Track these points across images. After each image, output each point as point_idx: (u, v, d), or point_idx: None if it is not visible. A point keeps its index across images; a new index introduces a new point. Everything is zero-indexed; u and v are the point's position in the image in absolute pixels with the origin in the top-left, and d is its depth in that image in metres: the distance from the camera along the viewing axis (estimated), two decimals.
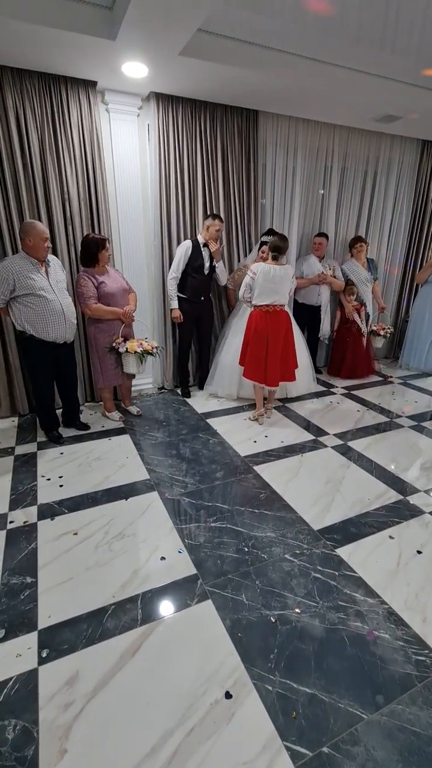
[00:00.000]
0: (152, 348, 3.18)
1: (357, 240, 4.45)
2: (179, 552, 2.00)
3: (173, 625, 1.66)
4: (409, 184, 4.68)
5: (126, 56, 2.71)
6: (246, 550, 2.02)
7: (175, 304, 3.73)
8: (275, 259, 3.12)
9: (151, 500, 2.39)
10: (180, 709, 1.39)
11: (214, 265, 3.73)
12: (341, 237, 4.63)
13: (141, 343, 3.15)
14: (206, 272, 3.68)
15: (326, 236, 4.30)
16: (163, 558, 1.97)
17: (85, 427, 3.26)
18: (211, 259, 3.67)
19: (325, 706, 1.41)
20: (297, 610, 1.72)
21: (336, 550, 2.04)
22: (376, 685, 1.48)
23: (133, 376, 3.46)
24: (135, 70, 2.91)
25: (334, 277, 4.37)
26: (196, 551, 2.00)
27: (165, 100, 3.43)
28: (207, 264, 3.67)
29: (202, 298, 3.76)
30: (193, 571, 1.89)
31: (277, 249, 3.11)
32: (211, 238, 3.60)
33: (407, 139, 4.52)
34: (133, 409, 3.55)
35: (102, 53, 2.67)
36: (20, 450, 2.94)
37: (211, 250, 3.63)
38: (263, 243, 3.70)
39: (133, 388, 3.73)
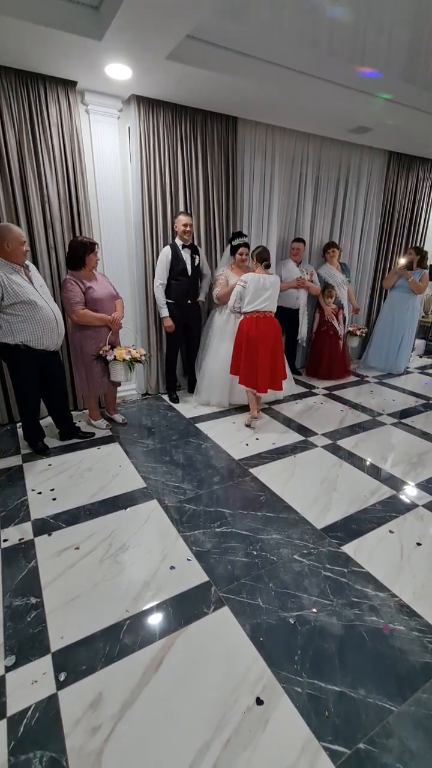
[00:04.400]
0: (140, 355, 3.15)
1: (330, 246, 4.59)
2: (188, 560, 1.97)
3: (193, 634, 1.63)
4: (377, 192, 4.89)
5: (111, 58, 2.66)
6: (254, 553, 2.02)
7: (165, 312, 3.69)
8: (266, 268, 3.19)
9: (151, 509, 2.36)
10: (213, 721, 1.36)
11: (198, 265, 3.70)
12: (317, 242, 4.75)
13: (129, 351, 3.11)
14: (190, 274, 3.67)
15: (303, 241, 4.40)
16: (172, 567, 1.93)
17: (89, 435, 3.19)
18: (193, 259, 3.66)
19: (355, 702, 1.43)
20: (314, 610, 1.74)
21: (341, 547, 2.08)
22: (400, 676, 1.51)
23: (119, 383, 3.39)
24: (118, 72, 2.86)
25: (312, 281, 4.47)
26: (205, 558, 1.99)
27: (146, 104, 3.39)
28: (189, 266, 3.66)
29: (189, 301, 3.74)
30: (205, 578, 1.87)
31: (266, 258, 3.21)
32: (180, 235, 3.57)
33: (376, 150, 4.73)
34: (119, 417, 3.49)
35: (86, 53, 2.61)
36: (3, 464, 2.79)
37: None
38: (235, 247, 3.72)
39: (117, 395, 3.63)
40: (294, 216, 4.54)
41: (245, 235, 3.76)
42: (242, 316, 3.31)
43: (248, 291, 3.18)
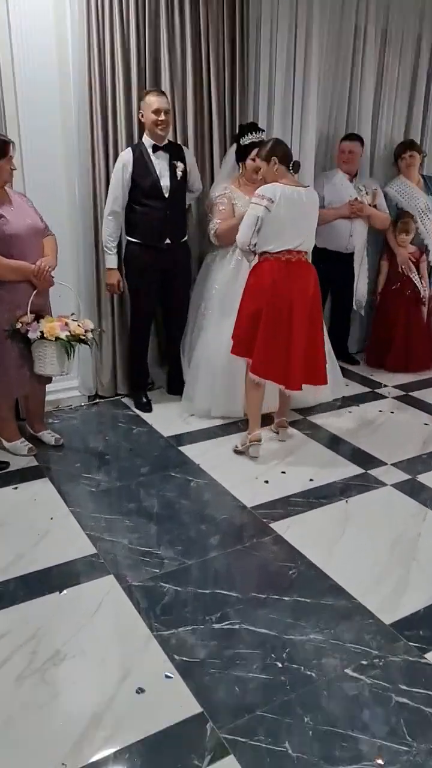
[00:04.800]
0: (85, 332, 3.16)
1: (407, 147, 4.59)
2: (167, 677, 1.96)
3: None
4: None
5: None
6: (279, 666, 2.01)
7: (112, 260, 3.69)
8: (295, 171, 3.20)
9: (104, 591, 2.35)
10: None
11: (182, 179, 3.69)
12: (384, 141, 4.74)
13: (66, 324, 3.12)
14: (168, 194, 3.65)
15: (360, 140, 4.40)
16: (140, 690, 1.91)
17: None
18: (173, 169, 3.64)
19: None
20: (379, 761, 1.72)
21: (426, 654, 2.07)
22: None
23: (49, 379, 3.40)
24: None
25: (375, 206, 4.46)
26: (196, 674, 1.97)
27: None
28: (167, 180, 3.64)
29: (168, 241, 3.74)
30: (197, 708, 1.85)
31: (291, 157, 3.19)
32: (150, 130, 3.54)
33: None
34: (49, 436, 3.51)
35: None
36: None
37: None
38: (245, 148, 3.69)
39: (46, 399, 3.65)
40: (345, 99, 4.52)
41: (262, 130, 3.73)
42: (257, 260, 3.29)
43: (277, 214, 3.11)
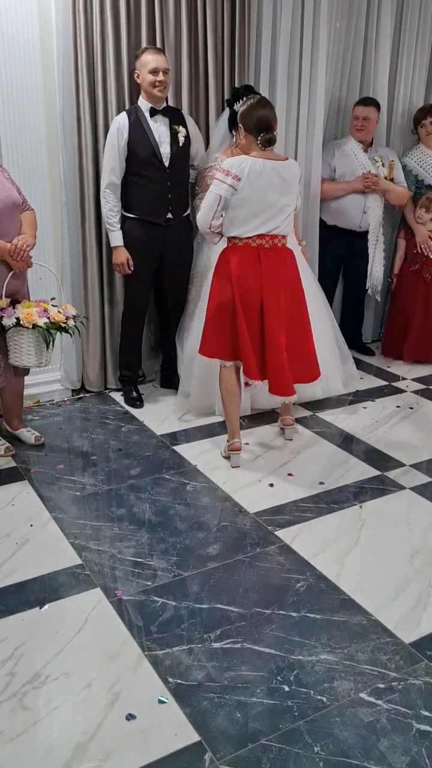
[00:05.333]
0: (66, 319, 3.16)
1: (427, 112, 4.57)
2: (160, 702, 1.95)
3: None
4: None
5: None
6: (286, 689, 2.01)
7: (117, 237, 3.69)
8: (268, 145, 3.03)
9: (90, 606, 2.35)
10: None
11: (184, 146, 3.68)
12: (402, 107, 4.73)
13: (44, 310, 3.12)
14: (167, 163, 3.65)
15: (376, 105, 4.37)
16: (131, 716, 1.90)
17: None
18: (174, 134, 3.63)
19: None
20: None
21: None
22: None
23: (27, 371, 3.41)
24: None
25: (392, 179, 4.43)
26: (193, 698, 1.96)
27: None
28: (168, 147, 3.64)
29: (169, 216, 3.74)
30: (194, 737, 1.84)
31: (268, 126, 3.00)
32: (147, 92, 3.54)
33: None
34: (28, 434, 3.51)
35: None
36: None
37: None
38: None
39: (24, 393, 3.64)
40: (358, 59, 4.51)
41: (257, 94, 3.70)
42: (224, 242, 3.22)
43: (242, 192, 2.99)
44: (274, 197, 3.02)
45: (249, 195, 2.99)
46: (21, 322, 3.05)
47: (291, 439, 3.53)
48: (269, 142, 3.00)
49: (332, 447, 3.52)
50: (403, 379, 4.46)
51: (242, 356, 3.14)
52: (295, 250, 3.50)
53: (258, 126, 2.98)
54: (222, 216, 3.07)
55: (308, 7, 4.07)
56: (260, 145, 2.99)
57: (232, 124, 3.71)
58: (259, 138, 2.98)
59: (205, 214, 3.08)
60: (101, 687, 2.00)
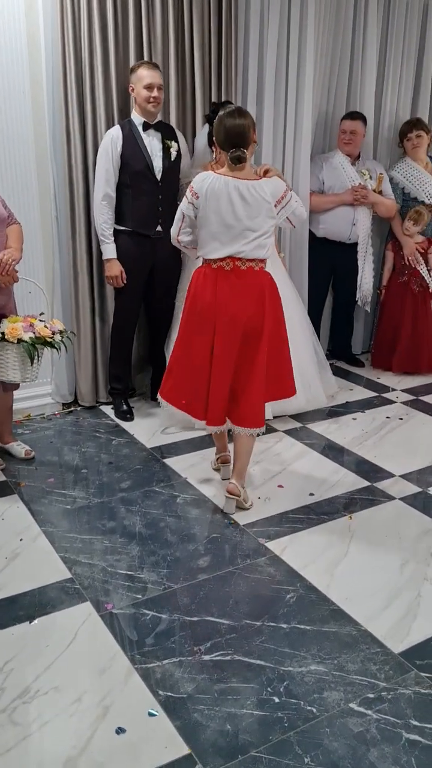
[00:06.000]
0: (53, 334, 3.15)
1: (413, 126, 4.62)
2: (150, 715, 1.95)
3: None
4: None
5: None
6: (276, 700, 2.00)
7: (111, 250, 3.70)
8: (237, 162, 2.76)
9: (81, 620, 2.34)
10: None
11: (176, 160, 3.72)
12: (389, 121, 4.78)
13: (31, 325, 3.11)
14: (161, 177, 3.69)
15: (363, 119, 4.42)
16: (121, 730, 1.90)
17: None
18: (166, 149, 3.68)
19: None
20: None
21: None
22: None
23: (16, 385, 3.40)
24: None
25: (381, 192, 4.48)
26: (183, 711, 1.96)
27: None
28: (160, 162, 3.67)
29: (160, 229, 3.75)
30: (184, 749, 1.83)
31: (239, 139, 2.73)
32: (140, 107, 3.58)
33: None
34: (18, 449, 3.50)
35: None
36: None
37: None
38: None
39: (13, 407, 3.64)
40: (345, 73, 4.56)
41: (231, 104, 3.74)
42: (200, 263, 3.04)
43: (204, 211, 2.82)
44: (231, 219, 2.76)
45: (206, 215, 2.80)
46: (6, 336, 3.03)
47: (230, 512, 3.03)
48: (237, 160, 2.74)
49: (322, 458, 3.52)
50: (393, 390, 4.48)
51: (184, 389, 3.01)
52: (275, 259, 3.49)
53: (227, 140, 2.74)
54: (190, 233, 2.94)
55: (294, 22, 4.11)
56: (232, 163, 2.76)
57: (211, 140, 3.75)
58: (229, 154, 2.75)
59: (173, 228, 3.01)
60: (91, 701, 1.99)
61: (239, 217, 2.76)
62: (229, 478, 3.08)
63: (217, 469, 3.34)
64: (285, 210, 2.88)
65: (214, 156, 3.73)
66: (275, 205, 2.82)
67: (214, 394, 2.90)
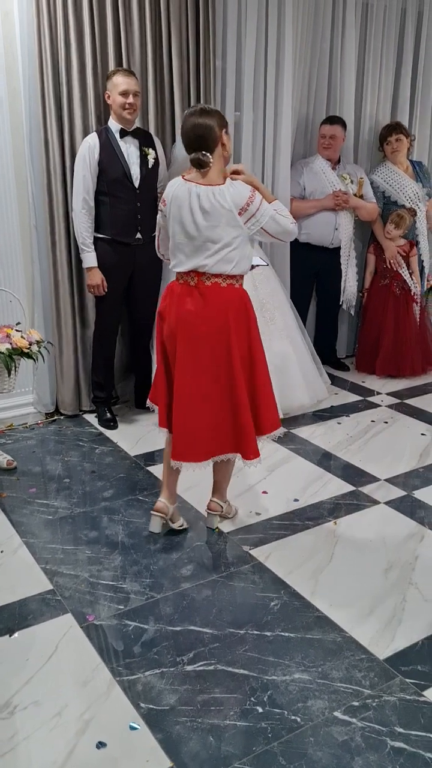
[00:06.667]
0: (30, 344, 3.15)
1: (392, 130, 4.64)
2: (132, 728, 1.93)
3: None
4: None
5: None
6: (259, 710, 1.99)
7: (91, 259, 3.69)
8: (198, 166, 2.52)
9: (62, 632, 2.33)
10: None
11: (154, 167, 3.71)
12: (369, 125, 4.80)
13: (7, 336, 3.12)
14: (138, 183, 3.68)
15: (342, 123, 4.43)
16: (101, 744, 1.88)
17: None
18: (144, 156, 3.67)
19: None
20: None
21: (424, 692, 2.05)
22: None
23: None
24: None
25: (362, 196, 4.49)
26: (165, 723, 1.95)
27: None
28: (137, 168, 3.67)
29: (139, 236, 3.75)
30: (166, 762, 1.82)
31: (199, 143, 2.48)
32: (116, 113, 3.58)
33: None
34: (0, 459, 3.48)
35: None
36: None
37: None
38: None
39: None
40: (324, 78, 4.57)
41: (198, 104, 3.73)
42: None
43: (168, 219, 2.63)
44: (192, 229, 2.52)
45: (171, 224, 2.60)
46: None
47: (213, 528, 2.94)
48: (198, 164, 2.50)
49: (307, 463, 3.52)
50: (378, 393, 4.49)
51: (157, 397, 2.85)
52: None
53: (188, 141, 2.52)
54: (167, 243, 2.72)
55: (272, 27, 4.13)
56: (197, 170, 2.54)
57: None
58: (190, 158, 2.52)
59: (157, 236, 2.85)
60: (71, 715, 1.98)
61: (199, 227, 2.51)
62: (157, 532, 2.87)
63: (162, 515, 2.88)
64: (255, 220, 2.52)
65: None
66: (239, 214, 2.49)
67: (178, 425, 2.66)
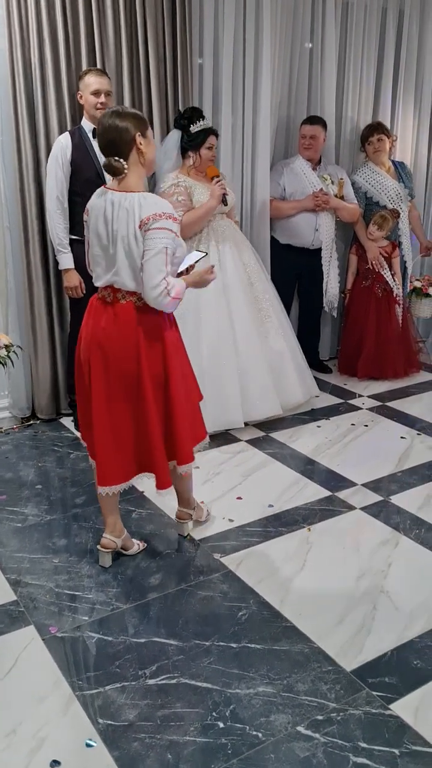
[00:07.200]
0: (1, 347, 3.13)
1: (374, 130, 4.62)
2: (88, 746, 1.90)
3: None
4: None
5: None
6: (220, 726, 1.96)
7: (68, 260, 3.65)
8: (110, 173, 2.37)
9: (21, 645, 2.29)
10: None
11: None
12: (350, 125, 4.77)
13: None
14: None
15: (323, 123, 4.40)
16: (55, 763, 1.84)
17: None
18: None
19: None
20: None
21: (390, 705, 2.02)
22: None
23: None
24: None
25: (342, 197, 4.46)
26: (123, 740, 1.91)
27: None
28: None
29: None
30: None
31: (109, 148, 2.33)
32: (89, 113, 3.55)
33: None
34: None
35: None
36: None
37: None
38: (196, 136, 3.69)
39: None
40: (305, 79, 4.55)
41: (195, 115, 3.74)
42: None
43: (88, 232, 2.51)
44: (105, 239, 2.39)
45: (90, 235, 2.48)
46: None
47: (184, 536, 2.90)
48: (110, 170, 2.35)
49: (283, 468, 3.49)
50: (360, 396, 4.46)
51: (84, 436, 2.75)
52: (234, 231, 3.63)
53: (100, 146, 2.38)
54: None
55: (249, 27, 4.11)
56: (113, 176, 2.39)
57: (191, 146, 3.73)
58: (103, 162, 2.39)
59: None
60: (27, 732, 1.94)
61: (109, 237, 2.37)
62: (106, 566, 2.68)
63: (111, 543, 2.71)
64: (147, 240, 2.29)
65: (194, 161, 3.73)
66: (139, 226, 2.29)
67: (100, 453, 2.54)
